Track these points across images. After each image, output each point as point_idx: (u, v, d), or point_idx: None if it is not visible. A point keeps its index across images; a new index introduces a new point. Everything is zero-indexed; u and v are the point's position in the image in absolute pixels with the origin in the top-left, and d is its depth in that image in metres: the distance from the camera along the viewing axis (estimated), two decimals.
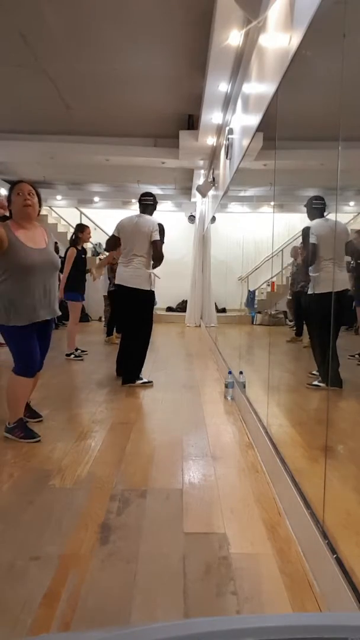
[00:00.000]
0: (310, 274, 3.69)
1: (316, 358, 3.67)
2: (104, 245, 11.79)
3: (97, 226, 11.45)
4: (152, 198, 4.43)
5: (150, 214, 4.39)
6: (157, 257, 4.27)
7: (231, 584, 1.55)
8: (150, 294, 4.32)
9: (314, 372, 3.72)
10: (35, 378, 2.97)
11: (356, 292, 4.00)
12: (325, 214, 3.61)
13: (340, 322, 3.51)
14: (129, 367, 4.40)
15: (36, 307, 2.74)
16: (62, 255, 5.87)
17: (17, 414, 2.87)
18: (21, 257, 2.66)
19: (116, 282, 4.36)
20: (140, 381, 4.39)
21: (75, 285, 5.57)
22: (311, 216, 3.71)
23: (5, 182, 10.81)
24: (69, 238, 10.78)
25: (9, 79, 5.62)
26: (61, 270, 5.52)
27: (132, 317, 4.32)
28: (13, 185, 2.78)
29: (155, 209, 4.45)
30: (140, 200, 4.42)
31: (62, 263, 5.56)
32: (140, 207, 4.41)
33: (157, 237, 4.23)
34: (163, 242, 4.29)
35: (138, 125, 7.18)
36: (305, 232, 3.67)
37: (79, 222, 8.47)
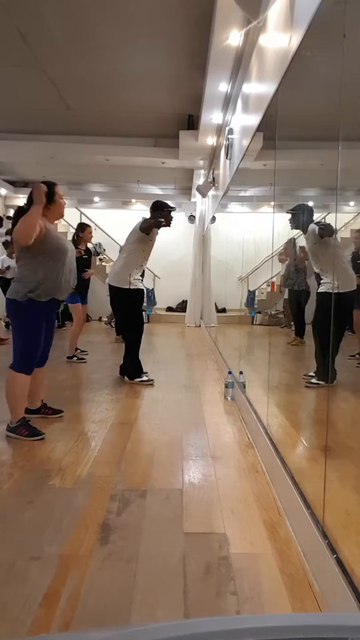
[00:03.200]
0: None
1: (320, 358, 3.68)
2: (103, 246, 11.87)
3: (97, 226, 11.46)
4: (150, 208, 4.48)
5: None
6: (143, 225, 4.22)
7: (231, 584, 1.55)
8: (121, 291, 4.33)
9: (311, 373, 3.73)
10: (42, 371, 3.13)
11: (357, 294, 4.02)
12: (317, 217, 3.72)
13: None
14: (127, 365, 4.48)
15: (62, 285, 2.94)
16: None
17: (19, 413, 2.87)
18: (57, 241, 2.92)
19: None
20: (139, 379, 4.42)
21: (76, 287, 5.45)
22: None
23: (5, 182, 10.82)
24: (69, 238, 10.80)
25: (9, 79, 5.61)
26: None
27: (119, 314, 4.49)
28: (54, 185, 2.96)
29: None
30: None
31: None
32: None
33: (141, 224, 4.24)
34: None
35: (138, 125, 7.18)
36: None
37: (79, 222, 8.38)
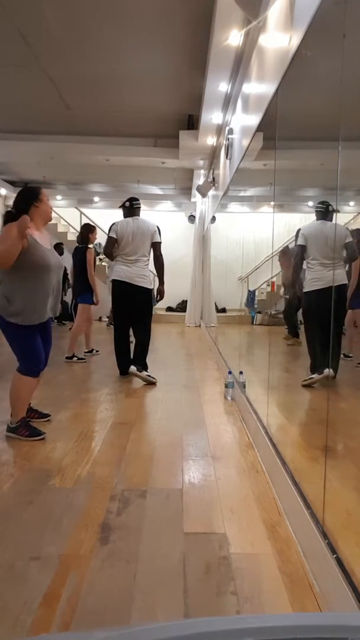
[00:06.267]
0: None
1: (310, 352, 3.72)
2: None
3: (97, 226, 11.45)
4: (139, 202, 4.74)
5: (139, 216, 4.69)
6: (157, 256, 4.56)
7: (231, 584, 1.55)
8: (151, 292, 4.68)
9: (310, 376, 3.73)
10: (38, 377, 3.00)
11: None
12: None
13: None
14: (141, 356, 4.55)
15: (48, 305, 2.85)
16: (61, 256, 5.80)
17: (20, 413, 2.88)
18: (40, 257, 2.78)
19: (118, 278, 4.54)
20: (146, 373, 4.47)
21: (87, 287, 5.51)
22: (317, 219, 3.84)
23: (5, 182, 10.81)
24: (69, 238, 10.78)
25: (9, 79, 5.62)
26: (82, 272, 5.49)
27: (141, 313, 4.59)
28: (38, 190, 2.89)
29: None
30: (132, 205, 4.66)
31: (80, 264, 5.53)
32: (131, 210, 4.65)
33: (158, 239, 4.52)
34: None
35: (138, 125, 7.19)
36: (297, 233, 3.85)
37: (78, 222, 8.34)
